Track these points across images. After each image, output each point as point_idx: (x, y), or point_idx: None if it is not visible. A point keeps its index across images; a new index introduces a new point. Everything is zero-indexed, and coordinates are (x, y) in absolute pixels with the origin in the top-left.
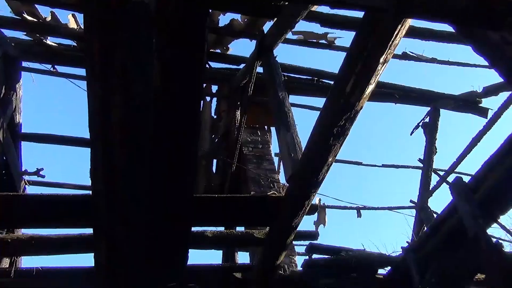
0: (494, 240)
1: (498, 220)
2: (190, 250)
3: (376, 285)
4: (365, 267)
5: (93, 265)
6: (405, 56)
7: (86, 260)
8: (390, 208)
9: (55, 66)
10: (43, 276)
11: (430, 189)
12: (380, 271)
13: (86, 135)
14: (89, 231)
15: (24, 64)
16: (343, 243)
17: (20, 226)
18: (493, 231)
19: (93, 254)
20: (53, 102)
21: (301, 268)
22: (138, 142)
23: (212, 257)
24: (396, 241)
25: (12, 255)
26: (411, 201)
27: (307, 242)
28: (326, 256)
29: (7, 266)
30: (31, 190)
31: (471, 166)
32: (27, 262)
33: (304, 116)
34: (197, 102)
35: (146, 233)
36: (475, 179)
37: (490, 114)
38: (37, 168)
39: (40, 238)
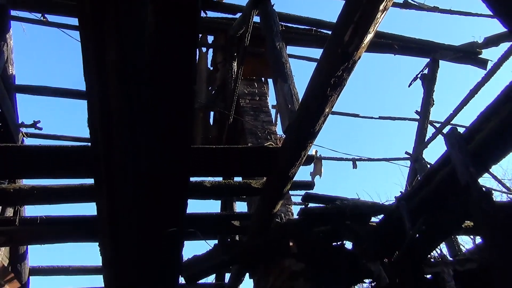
0: (484, 188)
1: (490, 170)
2: (188, 200)
3: (369, 232)
4: (359, 215)
5: (96, 213)
6: (406, 5)
7: (88, 210)
8: (385, 159)
9: (46, 15)
10: (47, 224)
11: (426, 140)
12: (374, 219)
13: (82, 87)
14: (90, 181)
15: (13, 13)
16: (339, 193)
17: (20, 177)
18: (485, 182)
19: (94, 203)
20: (47, 53)
21: (297, 216)
22: (134, 86)
23: (211, 207)
24: (390, 191)
25: (15, 204)
26: (406, 153)
27: (303, 192)
28: (322, 205)
29: (11, 215)
30: (29, 142)
31: (469, 118)
32: (30, 211)
33: (302, 67)
34: (193, 41)
35: (146, 182)
36: (470, 130)
37: (489, 65)
38: (34, 121)
39: (42, 188)
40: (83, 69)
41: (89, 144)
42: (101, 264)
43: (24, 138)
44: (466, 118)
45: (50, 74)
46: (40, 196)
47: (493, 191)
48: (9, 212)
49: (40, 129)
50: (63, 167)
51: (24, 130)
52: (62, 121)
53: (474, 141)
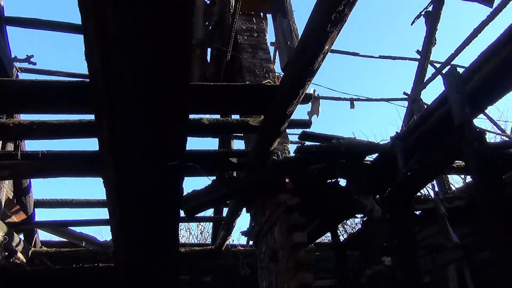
0: (478, 129)
1: (486, 112)
2: (187, 138)
3: (363, 170)
4: (354, 153)
5: (95, 149)
6: None
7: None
8: (383, 100)
9: None
10: (49, 159)
11: (425, 81)
12: (368, 158)
13: (77, 20)
14: (88, 117)
15: None
16: (335, 133)
17: (17, 112)
18: (481, 123)
19: (93, 139)
20: None
21: (294, 154)
22: (131, 14)
23: (209, 146)
24: (386, 132)
25: (15, 139)
26: (404, 93)
27: (300, 131)
28: (318, 143)
29: (12, 149)
30: (23, 77)
31: (472, 60)
32: (31, 147)
33: (302, 2)
34: None
35: (145, 116)
36: (469, 70)
37: (496, 2)
38: (27, 55)
39: (41, 123)
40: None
41: (85, 79)
42: (103, 198)
43: (18, 72)
44: (469, 59)
45: (42, 9)
46: (39, 131)
47: (486, 132)
48: (10, 147)
49: (34, 64)
50: (61, 102)
51: (17, 64)
52: (55, 57)
53: (472, 81)
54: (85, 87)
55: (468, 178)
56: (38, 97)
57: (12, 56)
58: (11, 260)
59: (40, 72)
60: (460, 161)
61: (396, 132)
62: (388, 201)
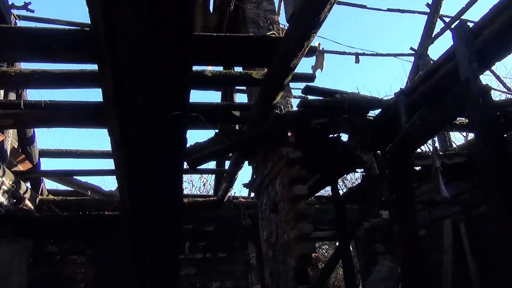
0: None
1: (492, 68)
2: (190, 90)
3: (365, 125)
4: (357, 108)
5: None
6: None
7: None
8: (389, 55)
9: None
10: (52, 109)
11: (433, 36)
12: (371, 113)
13: None
14: (90, 67)
15: None
16: (339, 88)
17: (17, 60)
18: (486, 81)
19: (95, 93)
20: None
21: (297, 108)
22: None
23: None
24: (391, 88)
25: (17, 87)
26: (411, 49)
27: (303, 85)
28: (321, 98)
29: (15, 99)
30: (21, 25)
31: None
32: (33, 97)
33: None
34: None
35: (148, 64)
36: (479, 24)
37: None
38: (24, 2)
39: (43, 72)
40: None
41: (85, 28)
42: (107, 149)
43: (16, 20)
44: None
45: None
46: (41, 80)
47: (491, 89)
48: (12, 96)
49: (32, 11)
50: (62, 50)
51: (15, 12)
52: (53, 5)
53: (481, 36)
54: (86, 36)
55: (470, 136)
56: (38, 44)
57: (9, 3)
58: (20, 206)
59: (39, 20)
60: (463, 118)
61: (400, 88)
62: (389, 156)
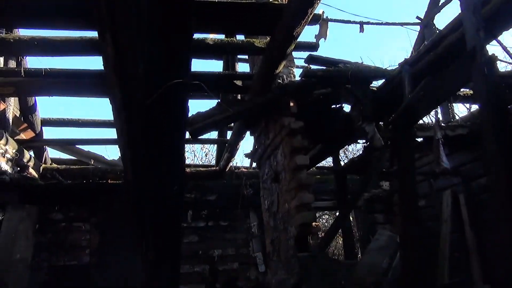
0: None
1: (499, 39)
2: (191, 57)
3: (368, 95)
4: (361, 78)
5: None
6: None
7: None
8: (394, 24)
9: None
10: (53, 77)
11: (440, 4)
12: (374, 84)
13: None
14: (89, 34)
15: None
16: (342, 57)
17: (15, 25)
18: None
19: (94, 58)
20: None
21: (299, 78)
22: None
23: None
24: (395, 59)
25: (16, 54)
26: (417, 18)
27: (306, 56)
28: (324, 67)
29: (15, 67)
30: None
31: None
32: (32, 65)
33: None
34: None
35: (149, 30)
36: None
37: None
38: None
39: (42, 39)
40: None
41: None
42: (109, 119)
43: None
44: None
45: None
46: (40, 47)
47: (497, 59)
48: (12, 64)
49: None
50: (61, 17)
51: None
52: None
53: (490, 4)
54: (86, 1)
55: (473, 108)
56: (36, 9)
57: None
58: (24, 175)
59: None
60: (467, 90)
61: (405, 58)
62: (391, 127)
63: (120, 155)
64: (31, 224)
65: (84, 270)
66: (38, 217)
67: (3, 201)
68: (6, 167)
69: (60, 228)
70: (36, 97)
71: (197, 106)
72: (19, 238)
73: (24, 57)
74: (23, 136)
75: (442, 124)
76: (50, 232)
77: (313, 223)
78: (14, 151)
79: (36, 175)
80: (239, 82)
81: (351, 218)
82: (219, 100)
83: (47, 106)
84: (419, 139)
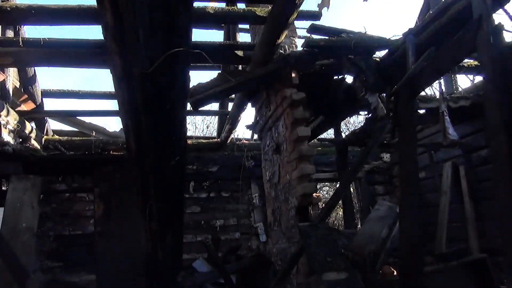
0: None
1: (505, 7)
2: (192, 27)
3: (371, 66)
4: (364, 48)
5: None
6: None
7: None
8: None
9: None
10: (52, 46)
11: None
12: (377, 54)
13: None
14: (87, 1)
15: None
16: (345, 27)
17: None
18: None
19: (92, 26)
20: None
21: (301, 48)
22: None
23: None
24: (399, 29)
25: (13, 23)
26: None
27: (308, 25)
28: (326, 37)
29: (12, 36)
30: None
31: None
32: (31, 35)
33: None
34: None
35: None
36: None
37: None
38: None
39: (40, 7)
40: None
41: None
42: (109, 90)
43: None
44: None
45: None
46: (38, 16)
47: (504, 29)
48: (10, 34)
49: None
50: None
51: None
52: None
53: None
54: None
55: (477, 79)
56: None
57: None
58: (26, 146)
59: None
60: (471, 60)
61: (409, 28)
62: (393, 98)
63: (121, 127)
64: (36, 194)
65: (89, 239)
66: (42, 187)
67: (8, 172)
68: (8, 138)
69: (64, 199)
70: (36, 69)
71: (198, 78)
72: (24, 207)
73: (22, 26)
74: (24, 107)
75: (445, 96)
76: (54, 202)
77: (314, 194)
78: (15, 122)
79: (38, 147)
80: (240, 53)
81: (351, 189)
82: (220, 71)
83: (47, 80)
84: (422, 111)
